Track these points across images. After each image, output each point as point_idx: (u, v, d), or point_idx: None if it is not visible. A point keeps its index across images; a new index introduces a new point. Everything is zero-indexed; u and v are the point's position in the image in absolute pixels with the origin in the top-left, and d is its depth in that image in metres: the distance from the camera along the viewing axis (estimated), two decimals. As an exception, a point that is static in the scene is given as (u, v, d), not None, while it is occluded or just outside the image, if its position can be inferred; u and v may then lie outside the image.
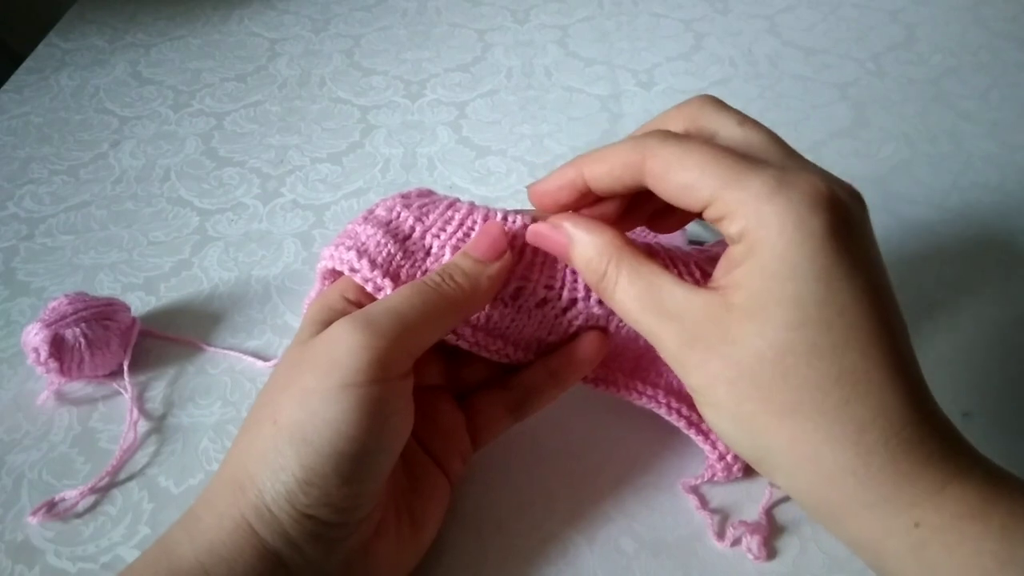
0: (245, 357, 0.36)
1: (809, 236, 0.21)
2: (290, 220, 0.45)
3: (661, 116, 0.26)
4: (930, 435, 0.21)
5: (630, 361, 0.31)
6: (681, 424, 0.30)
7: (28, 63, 0.61)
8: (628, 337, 0.29)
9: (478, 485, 0.31)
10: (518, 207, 0.33)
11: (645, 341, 0.29)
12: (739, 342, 0.22)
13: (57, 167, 0.50)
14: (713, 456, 0.30)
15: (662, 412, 0.30)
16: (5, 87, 0.58)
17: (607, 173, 0.25)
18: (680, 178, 0.23)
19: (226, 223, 0.45)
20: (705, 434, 0.30)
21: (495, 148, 0.50)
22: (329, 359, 0.24)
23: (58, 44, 0.63)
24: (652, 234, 0.36)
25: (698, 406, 0.25)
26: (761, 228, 0.21)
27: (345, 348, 0.24)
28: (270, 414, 0.24)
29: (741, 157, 0.22)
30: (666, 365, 0.28)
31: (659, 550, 0.29)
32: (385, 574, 0.27)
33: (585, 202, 0.26)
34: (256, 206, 0.46)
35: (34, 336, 0.34)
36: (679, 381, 0.30)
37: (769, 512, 0.30)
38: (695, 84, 0.55)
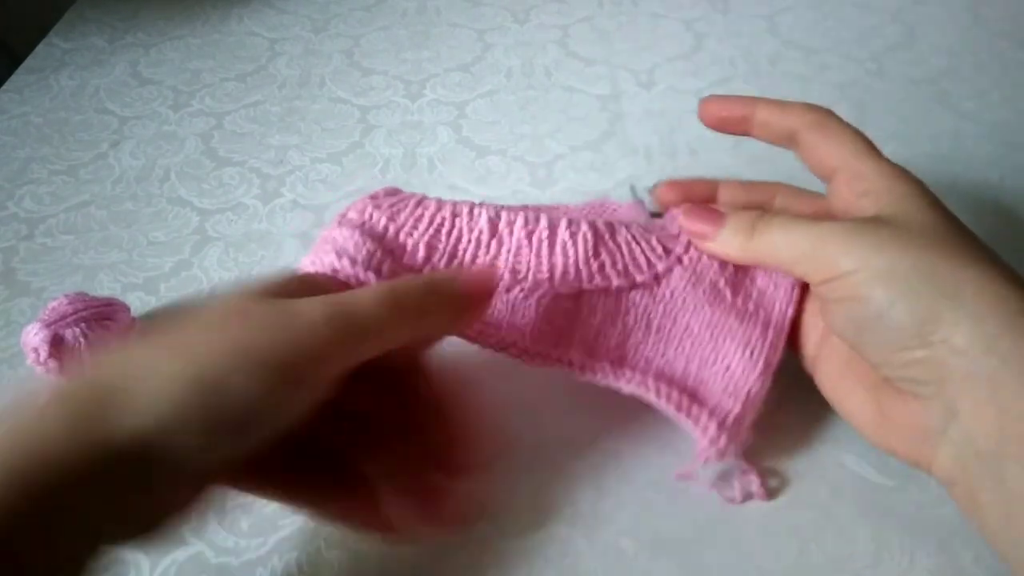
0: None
1: (920, 185, 0.28)
2: (290, 220, 0.45)
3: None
4: None
5: (613, 348, 0.30)
6: (670, 408, 0.29)
7: (28, 63, 0.60)
8: (609, 321, 0.30)
9: (477, 486, 0.31)
10: (518, 207, 0.33)
11: (627, 323, 0.30)
12: (896, 223, 0.26)
13: (57, 167, 0.50)
14: (704, 440, 0.29)
15: (651, 397, 0.29)
16: (5, 87, 0.58)
17: (779, 115, 0.30)
18: (834, 141, 0.29)
19: (226, 223, 0.45)
20: (695, 419, 0.29)
21: (495, 148, 0.50)
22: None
23: (58, 44, 0.63)
24: (612, 210, 0.36)
25: (844, 295, 0.26)
26: (891, 184, 0.28)
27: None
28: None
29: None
30: (651, 348, 0.29)
31: (659, 550, 0.29)
32: None
33: (738, 127, 0.32)
34: (256, 206, 0.46)
35: (34, 336, 0.34)
36: (667, 364, 0.30)
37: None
38: (695, 84, 0.55)
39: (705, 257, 0.31)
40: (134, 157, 0.50)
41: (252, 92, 0.56)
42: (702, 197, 0.33)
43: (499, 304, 0.30)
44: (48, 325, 0.34)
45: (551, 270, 0.30)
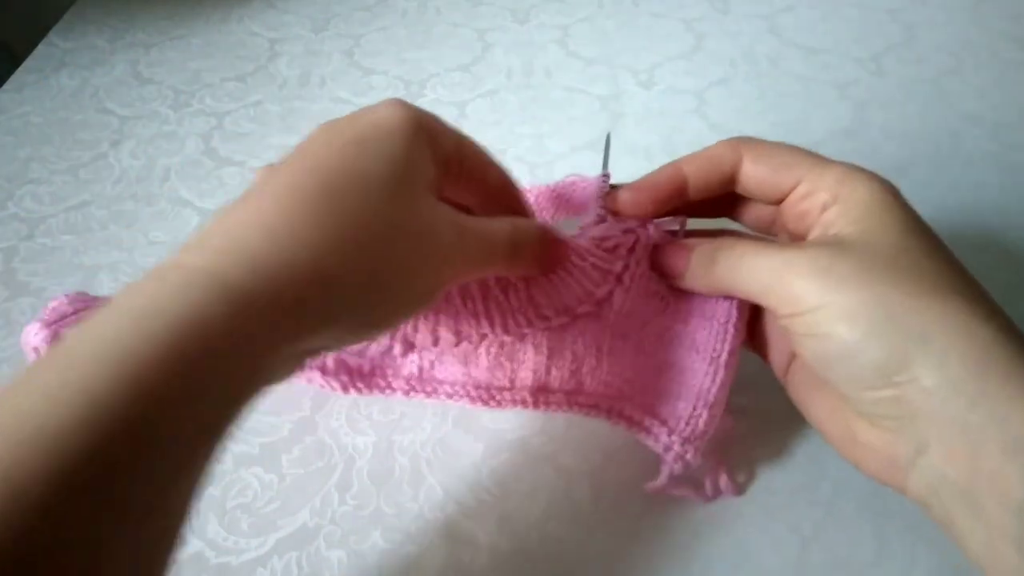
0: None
1: (888, 192, 0.26)
2: (290, 220, 0.45)
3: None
4: None
5: (568, 378, 0.30)
6: (622, 425, 0.30)
7: (28, 63, 0.60)
8: (558, 355, 0.30)
9: (478, 486, 0.31)
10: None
11: (576, 352, 0.30)
12: (860, 250, 0.25)
13: (57, 167, 0.50)
14: (669, 454, 0.29)
15: (605, 418, 0.30)
16: (5, 87, 0.58)
17: (707, 164, 0.29)
18: (779, 159, 0.28)
19: (226, 223, 0.45)
20: (654, 435, 0.30)
21: (495, 148, 0.49)
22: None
23: (58, 44, 0.63)
24: (579, 188, 0.37)
25: (808, 331, 0.25)
26: (853, 192, 0.26)
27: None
28: None
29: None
30: (607, 372, 0.29)
31: (659, 550, 0.29)
32: None
33: (677, 202, 0.30)
34: (256, 206, 0.46)
35: (34, 336, 0.34)
36: (626, 383, 0.30)
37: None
38: (695, 84, 0.55)
39: (645, 269, 0.30)
40: (134, 157, 0.50)
41: (252, 92, 0.56)
42: (671, 192, 0.30)
43: (447, 357, 0.30)
44: (48, 325, 0.34)
45: (490, 325, 0.29)
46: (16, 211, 0.46)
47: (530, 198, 0.38)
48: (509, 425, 0.33)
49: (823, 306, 0.24)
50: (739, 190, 0.30)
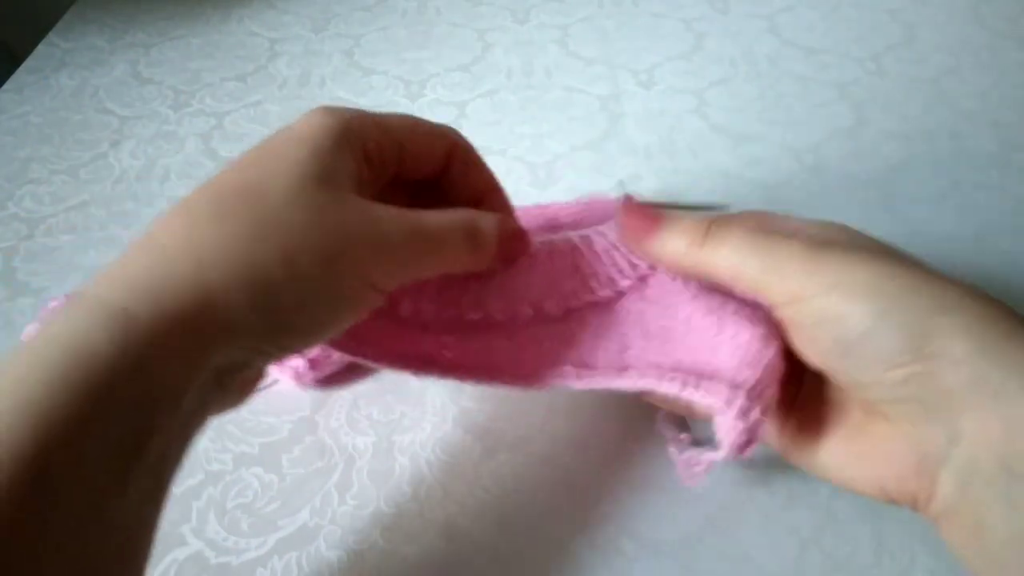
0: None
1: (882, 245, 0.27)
2: (290, 220, 0.45)
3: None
4: None
5: (614, 359, 0.29)
6: (685, 390, 0.27)
7: (28, 63, 0.60)
8: (603, 335, 0.29)
9: (478, 486, 0.31)
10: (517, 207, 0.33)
11: (623, 332, 0.29)
12: (862, 246, 0.25)
13: (57, 167, 0.50)
14: (730, 412, 0.26)
15: (661, 386, 0.27)
16: (5, 87, 0.58)
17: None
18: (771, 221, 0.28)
19: (226, 223, 0.45)
20: (715, 392, 0.26)
21: (495, 148, 0.50)
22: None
23: (58, 44, 0.63)
24: (602, 206, 0.36)
25: (818, 316, 0.24)
26: (847, 238, 0.26)
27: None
28: None
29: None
30: (655, 352, 0.28)
31: (659, 550, 0.29)
32: None
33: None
34: (256, 206, 0.46)
35: (34, 336, 0.34)
36: (677, 363, 0.28)
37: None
38: (695, 84, 0.55)
39: None
40: (134, 157, 0.50)
41: (252, 92, 0.56)
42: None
43: (489, 336, 0.29)
44: (48, 325, 0.34)
45: (539, 298, 0.29)
46: (16, 211, 0.46)
47: (548, 214, 0.37)
48: (509, 425, 0.33)
49: (836, 285, 0.23)
50: None
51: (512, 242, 0.29)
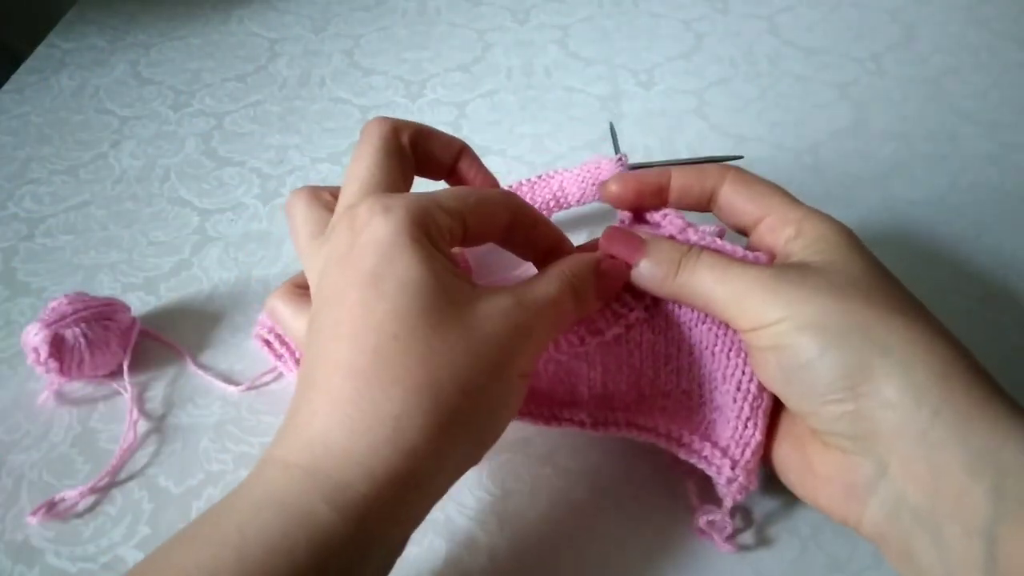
0: (216, 382, 0.35)
1: (847, 231, 0.28)
2: (290, 220, 0.45)
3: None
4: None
5: (627, 391, 0.30)
6: (681, 452, 0.29)
7: (28, 63, 0.61)
8: (615, 369, 0.29)
9: (478, 486, 0.31)
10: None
11: (634, 365, 0.29)
12: (823, 271, 0.26)
13: (57, 167, 0.50)
14: (722, 479, 0.28)
15: (660, 443, 0.29)
16: (5, 87, 0.58)
17: (693, 178, 0.30)
18: (755, 191, 0.29)
19: (226, 223, 0.45)
20: (708, 460, 0.28)
21: (495, 148, 0.50)
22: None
23: (58, 44, 0.63)
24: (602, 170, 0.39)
25: (770, 343, 0.25)
26: (815, 228, 0.27)
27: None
28: None
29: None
30: (665, 380, 0.29)
31: (659, 552, 0.29)
32: None
33: (656, 201, 0.31)
34: (256, 206, 0.46)
35: (34, 336, 0.34)
36: (684, 394, 0.29)
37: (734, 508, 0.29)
38: (695, 84, 0.55)
39: None
40: (134, 157, 0.50)
41: (252, 92, 0.56)
42: (654, 189, 0.31)
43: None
44: (48, 325, 0.34)
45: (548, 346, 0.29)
46: (16, 211, 0.46)
47: (556, 183, 0.40)
48: (509, 426, 0.33)
49: (787, 317, 0.25)
50: (715, 211, 0.31)
51: (607, 280, 0.28)
